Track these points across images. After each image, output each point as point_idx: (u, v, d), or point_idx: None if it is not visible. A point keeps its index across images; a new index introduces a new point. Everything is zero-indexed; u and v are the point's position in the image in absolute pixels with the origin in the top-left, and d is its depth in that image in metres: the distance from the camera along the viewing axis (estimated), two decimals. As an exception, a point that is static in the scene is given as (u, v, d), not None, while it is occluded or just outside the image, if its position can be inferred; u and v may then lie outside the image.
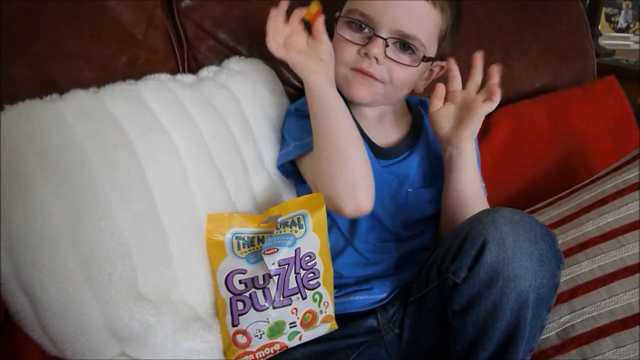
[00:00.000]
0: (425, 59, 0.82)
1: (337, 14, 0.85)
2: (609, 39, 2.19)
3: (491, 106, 0.80)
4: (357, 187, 0.74)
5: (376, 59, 0.79)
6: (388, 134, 0.90)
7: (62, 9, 0.82)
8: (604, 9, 2.16)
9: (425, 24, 0.81)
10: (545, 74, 1.26)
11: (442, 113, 0.83)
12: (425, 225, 0.89)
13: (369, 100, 0.85)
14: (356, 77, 0.82)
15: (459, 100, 0.83)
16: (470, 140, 0.82)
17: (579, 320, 0.79)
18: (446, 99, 0.84)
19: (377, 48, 0.79)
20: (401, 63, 0.81)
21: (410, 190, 0.87)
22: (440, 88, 0.85)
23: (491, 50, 1.19)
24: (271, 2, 0.98)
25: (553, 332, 0.79)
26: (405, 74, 0.82)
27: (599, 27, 2.08)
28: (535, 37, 1.25)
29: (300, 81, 0.99)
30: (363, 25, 0.81)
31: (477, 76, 0.83)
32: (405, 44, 0.80)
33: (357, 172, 0.75)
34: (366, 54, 0.80)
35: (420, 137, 0.90)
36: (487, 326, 0.66)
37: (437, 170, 0.88)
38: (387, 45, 0.79)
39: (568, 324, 0.79)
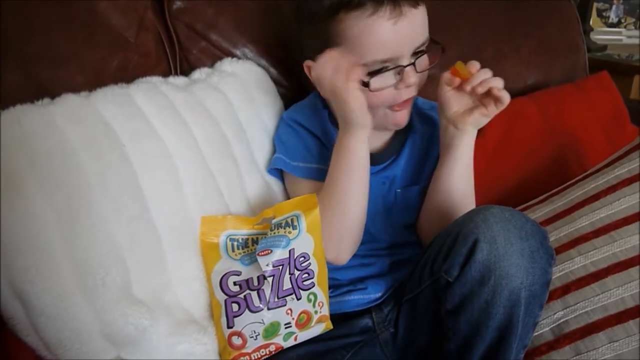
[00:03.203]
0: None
1: (364, 78, 0.77)
2: (601, 34, 2.19)
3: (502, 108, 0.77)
4: (344, 241, 0.77)
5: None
6: (381, 136, 0.89)
7: (53, 13, 0.81)
8: (595, 4, 2.17)
9: (425, 24, 0.80)
10: (537, 70, 1.26)
11: (455, 94, 0.79)
12: (416, 237, 0.88)
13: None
14: (398, 109, 0.81)
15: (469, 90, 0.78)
16: (474, 127, 0.79)
17: (572, 316, 0.79)
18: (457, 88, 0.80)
19: (412, 77, 0.77)
20: (428, 69, 0.80)
21: (398, 190, 0.87)
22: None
23: (483, 48, 1.20)
24: (261, 3, 0.99)
25: (547, 329, 0.79)
26: (426, 73, 0.82)
27: (591, 23, 2.09)
28: (527, 34, 1.25)
29: (293, 82, 1.00)
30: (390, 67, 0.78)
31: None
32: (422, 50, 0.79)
33: (351, 228, 0.77)
34: (407, 86, 0.78)
35: (409, 137, 0.90)
36: (480, 324, 0.67)
37: (423, 168, 0.88)
38: (413, 65, 0.78)
39: (562, 320, 0.79)
